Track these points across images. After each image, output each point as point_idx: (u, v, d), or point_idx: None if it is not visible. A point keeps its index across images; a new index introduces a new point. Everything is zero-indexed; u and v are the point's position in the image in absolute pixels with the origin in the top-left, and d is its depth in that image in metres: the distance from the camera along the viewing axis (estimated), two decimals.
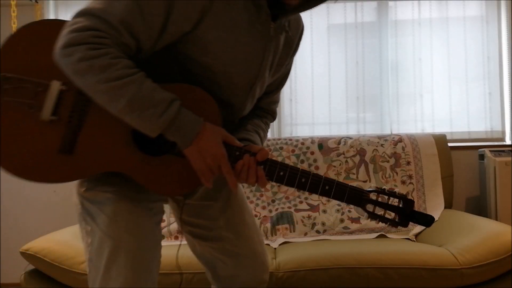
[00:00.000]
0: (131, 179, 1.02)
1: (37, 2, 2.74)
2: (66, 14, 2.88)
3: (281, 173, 1.05)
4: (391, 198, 1.16)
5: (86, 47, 0.87)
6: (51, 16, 2.86)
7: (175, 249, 1.35)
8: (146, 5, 0.90)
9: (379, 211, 1.18)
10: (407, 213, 1.17)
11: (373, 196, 1.15)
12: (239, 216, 1.25)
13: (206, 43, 0.98)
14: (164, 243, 1.13)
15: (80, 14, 0.90)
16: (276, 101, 1.31)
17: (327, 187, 1.08)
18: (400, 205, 1.17)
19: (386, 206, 1.18)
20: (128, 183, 1.04)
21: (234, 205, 1.24)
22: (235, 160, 1.02)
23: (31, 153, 0.99)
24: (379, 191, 1.15)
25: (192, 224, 1.22)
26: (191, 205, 1.20)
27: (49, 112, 0.98)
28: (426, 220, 1.17)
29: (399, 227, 1.19)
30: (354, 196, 1.12)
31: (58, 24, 0.97)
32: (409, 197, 2.35)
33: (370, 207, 1.17)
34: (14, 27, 2.58)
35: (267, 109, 1.29)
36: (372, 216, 1.18)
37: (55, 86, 0.98)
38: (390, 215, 1.18)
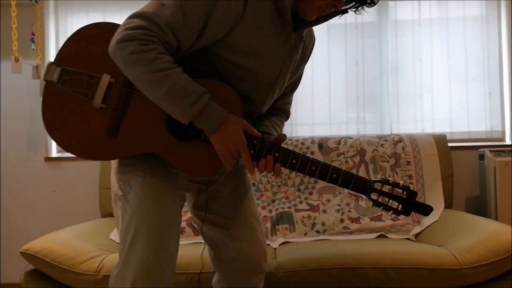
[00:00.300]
0: (164, 159, 1.19)
1: (37, 2, 2.74)
2: (66, 14, 2.88)
3: (294, 161, 1.21)
4: (395, 189, 1.25)
5: (137, 43, 1.06)
6: (51, 16, 2.86)
7: None
8: (189, 12, 1.09)
9: (384, 201, 1.27)
10: (410, 203, 1.25)
11: (377, 186, 1.25)
12: (245, 206, 1.39)
13: (237, 47, 1.16)
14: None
15: (134, 16, 1.09)
16: (289, 102, 1.47)
17: (334, 175, 1.24)
18: (404, 196, 1.25)
19: (390, 196, 1.26)
20: (157, 171, 1.21)
21: (241, 194, 1.39)
22: (253, 148, 1.18)
23: (84, 134, 1.19)
24: (384, 181, 1.25)
25: (202, 209, 1.37)
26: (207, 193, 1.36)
27: (99, 101, 1.18)
28: (425, 210, 1.26)
29: (401, 216, 1.29)
30: (360, 185, 1.24)
31: (110, 26, 1.17)
32: None
33: (374, 196, 1.26)
34: (14, 27, 2.58)
35: (282, 109, 1.45)
36: (377, 203, 1.27)
37: (106, 79, 1.18)
38: (394, 204, 1.27)
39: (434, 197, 2.37)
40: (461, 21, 2.81)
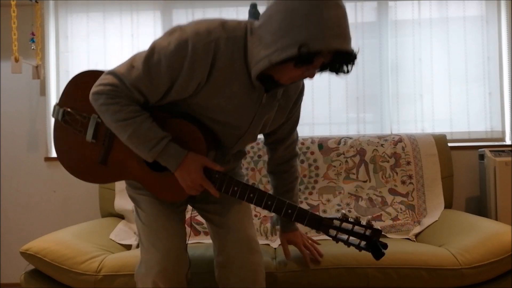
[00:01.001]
0: (142, 186, 1.42)
1: (37, 2, 2.74)
2: (66, 14, 2.88)
3: (251, 195, 1.35)
4: (356, 226, 1.31)
5: (106, 97, 1.27)
6: (51, 16, 2.86)
7: None
8: (155, 77, 1.25)
9: (344, 236, 1.33)
10: (373, 241, 1.30)
11: (336, 223, 1.32)
12: (235, 203, 1.54)
13: (205, 105, 1.32)
14: None
15: (109, 73, 1.29)
16: (294, 140, 1.61)
17: (289, 211, 1.34)
18: (367, 233, 1.30)
19: (350, 233, 1.31)
20: None
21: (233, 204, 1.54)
22: (214, 181, 1.35)
23: (83, 162, 1.47)
24: (343, 220, 1.31)
25: (201, 209, 1.59)
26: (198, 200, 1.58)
27: (90, 136, 1.44)
28: (379, 253, 1.30)
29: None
30: (314, 222, 1.33)
31: (99, 75, 1.36)
32: (410, 197, 2.37)
33: (333, 232, 1.33)
34: (14, 27, 2.58)
35: (289, 156, 1.64)
36: (335, 239, 1.33)
37: (94, 119, 1.44)
38: (355, 240, 1.32)
39: (434, 197, 2.37)
40: (461, 21, 2.81)
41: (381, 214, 2.31)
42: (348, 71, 1.23)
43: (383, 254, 1.30)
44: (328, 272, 1.71)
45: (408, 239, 2.21)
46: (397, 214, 2.31)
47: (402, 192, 2.38)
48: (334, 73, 1.25)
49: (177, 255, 1.39)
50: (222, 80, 1.26)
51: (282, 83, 1.27)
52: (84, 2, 2.88)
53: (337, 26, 1.12)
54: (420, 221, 2.29)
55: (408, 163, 2.42)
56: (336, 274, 1.71)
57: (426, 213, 2.33)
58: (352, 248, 1.82)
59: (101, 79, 1.29)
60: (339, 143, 2.47)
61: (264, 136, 1.61)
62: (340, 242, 1.34)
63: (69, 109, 1.46)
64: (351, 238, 1.31)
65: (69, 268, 1.75)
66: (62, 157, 1.49)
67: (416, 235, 2.22)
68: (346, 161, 2.43)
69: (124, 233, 2.23)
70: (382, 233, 2.20)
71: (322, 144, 2.46)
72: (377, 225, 2.27)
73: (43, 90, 2.85)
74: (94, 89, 1.29)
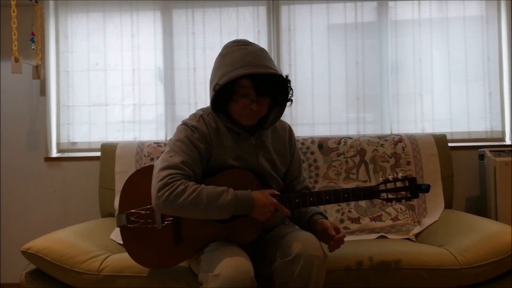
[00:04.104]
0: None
1: (37, 2, 2.74)
2: (66, 14, 2.88)
3: (311, 199, 1.56)
4: (396, 183, 1.56)
5: (169, 187, 1.45)
6: (51, 16, 2.86)
7: None
8: (187, 151, 1.53)
9: (394, 195, 1.57)
10: (414, 187, 1.55)
11: (382, 187, 1.56)
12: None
13: (221, 159, 1.60)
14: None
15: (160, 170, 1.49)
16: (304, 180, 1.80)
17: (346, 195, 1.55)
18: (406, 184, 1.55)
19: (396, 190, 1.56)
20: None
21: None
22: (281, 201, 1.53)
23: (158, 251, 1.59)
24: (385, 181, 1.56)
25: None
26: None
27: (160, 222, 1.59)
28: (427, 188, 1.54)
29: (413, 200, 1.59)
30: (369, 193, 1.57)
31: (146, 169, 1.62)
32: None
33: (384, 195, 1.56)
34: (14, 27, 2.58)
35: (302, 190, 1.78)
36: (388, 200, 1.57)
37: None
38: (402, 194, 1.56)
39: (434, 197, 2.37)
40: (461, 21, 2.81)
41: (381, 214, 2.31)
42: (288, 94, 1.65)
43: (428, 185, 1.56)
44: (328, 273, 1.70)
45: (408, 239, 2.21)
46: (397, 214, 2.31)
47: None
48: (287, 102, 1.66)
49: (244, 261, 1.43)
50: (219, 141, 1.60)
51: (243, 124, 1.59)
52: (84, 2, 2.88)
53: (241, 59, 1.50)
54: (420, 221, 2.29)
55: (408, 163, 2.42)
56: (336, 275, 1.71)
57: (426, 213, 2.33)
58: (351, 249, 1.83)
59: (156, 177, 1.48)
60: (339, 143, 2.47)
61: (283, 178, 1.76)
62: (393, 202, 1.58)
63: (132, 210, 1.62)
64: (399, 193, 1.55)
65: (70, 267, 1.75)
66: (140, 259, 1.61)
67: (416, 235, 2.22)
68: (346, 161, 2.43)
69: None
70: (382, 233, 2.24)
71: (322, 144, 2.46)
72: (377, 225, 2.29)
73: (43, 90, 2.85)
74: (155, 189, 1.46)
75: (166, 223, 1.58)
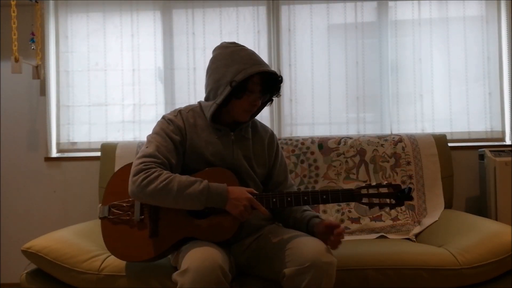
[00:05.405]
0: (196, 238, 1.53)
1: (37, 2, 2.74)
2: (66, 14, 2.88)
3: (289, 199, 1.52)
4: (380, 189, 1.49)
5: (143, 172, 1.49)
6: (51, 16, 2.86)
7: None
8: (162, 142, 1.58)
9: (376, 201, 1.49)
10: (399, 194, 1.49)
11: (364, 191, 1.49)
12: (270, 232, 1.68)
13: (198, 154, 1.63)
14: None
15: (137, 159, 1.55)
16: (291, 186, 1.81)
17: (324, 197, 1.51)
18: (391, 190, 1.48)
19: (379, 195, 1.48)
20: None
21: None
22: (259, 199, 1.50)
23: (134, 244, 1.60)
24: (367, 186, 1.50)
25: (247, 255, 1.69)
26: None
27: (138, 214, 1.61)
28: (408, 195, 1.48)
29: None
30: (348, 195, 1.51)
31: (127, 167, 1.63)
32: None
33: (365, 200, 1.49)
34: (14, 27, 2.58)
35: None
36: (370, 205, 1.50)
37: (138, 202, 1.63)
38: (385, 201, 1.48)
39: (434, 197, 2.37)
40: (461, 21, 2.81)
41: (381, 214, 2.31)
42: (279, 91, 1.66)
43: (412, 198, 1.52)
44: None
45: (408, 239, 2.21)
46: (397, 214, 2.31)
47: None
48: (273, 98, 1.68)
49: (216, 253, 1.42)
50: (195, 135, 1.64)
51: (240, 119, 1.64)
52: (84, 2, 2.88)
53: (250, 58, 1.57)
54: (420, 221, 2.29)
55: (408, 163, 2.42)
56: (336, 276, 1.70)
57: (426, 213, 2.33)
58: (350, 249, 1.83)
59: (133, 166, 1.53)
60: (339, 143, 2.47)
61: (267, 183, 1.77)
62: (375, 207, 1.51)
63: (114, 202, 1.65)
64: (381, 200, 1.48)
65: (71, 266, 1.75)
66: (117, 251, 1.63)
67: (416, 235, 2.22)
68: (346, 161, 2.43)
69: None
70: (382, 233, 2.24)
71: (322, 144, 2.46)
72: (377, 225, 2.29)
73: (43, 90, 2.85)
74: (130, 177, 1.52)
75: (142, 217, 1.60)
